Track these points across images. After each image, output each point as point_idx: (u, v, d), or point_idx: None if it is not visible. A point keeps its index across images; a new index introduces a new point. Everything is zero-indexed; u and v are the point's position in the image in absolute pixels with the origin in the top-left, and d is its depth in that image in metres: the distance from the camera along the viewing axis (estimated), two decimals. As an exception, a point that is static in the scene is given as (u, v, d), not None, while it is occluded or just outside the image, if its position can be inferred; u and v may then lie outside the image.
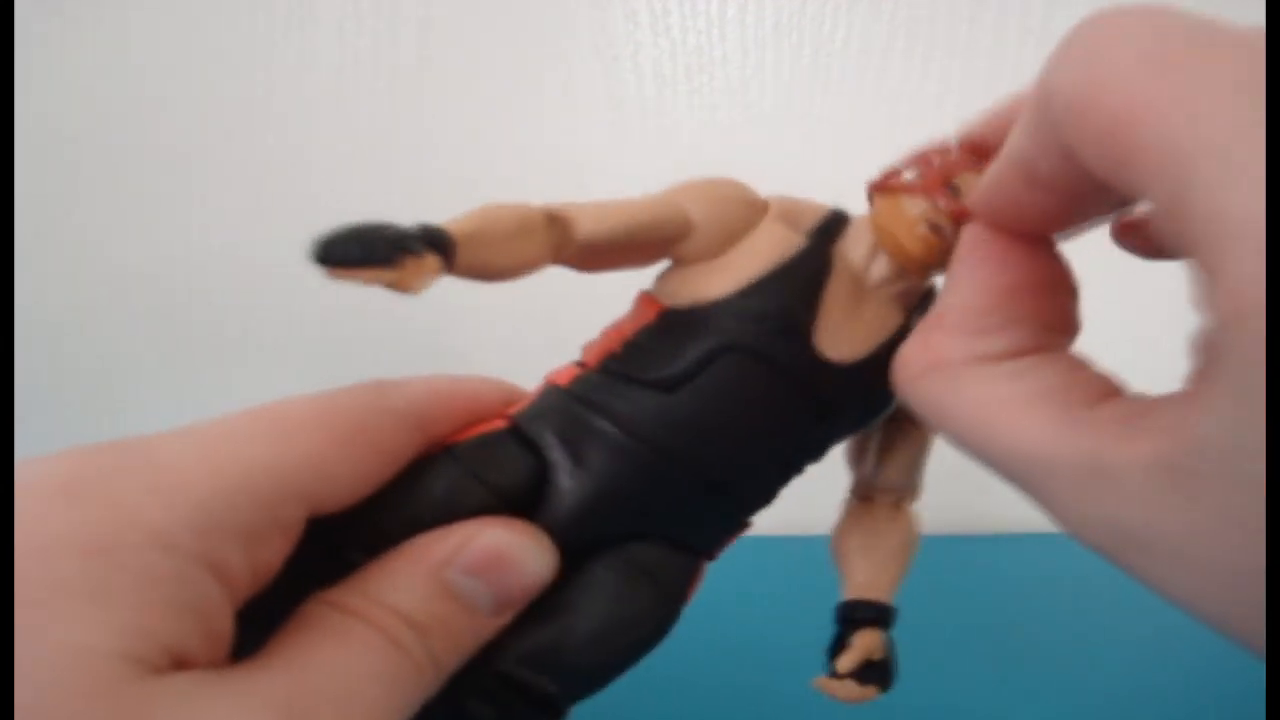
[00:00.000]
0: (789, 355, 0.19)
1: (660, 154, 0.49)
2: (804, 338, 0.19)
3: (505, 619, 0.18)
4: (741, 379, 0.19)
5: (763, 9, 0.48)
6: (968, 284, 0.17)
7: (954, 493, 0.55)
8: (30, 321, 0.49)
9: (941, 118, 0.47)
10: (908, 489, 0.24)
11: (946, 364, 0.16)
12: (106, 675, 0.13)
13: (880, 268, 0.20)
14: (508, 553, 0.18)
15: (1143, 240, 0.20)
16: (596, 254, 0.19)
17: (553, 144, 0.49)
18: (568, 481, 0.19)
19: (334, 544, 0.18)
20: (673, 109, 0.49)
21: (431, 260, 0.16)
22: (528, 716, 0.19)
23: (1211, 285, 0.11)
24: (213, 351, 0.51)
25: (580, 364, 0.20)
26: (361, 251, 0.16)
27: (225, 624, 0.16)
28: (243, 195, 0.49)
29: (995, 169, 0.17)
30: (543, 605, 0.19)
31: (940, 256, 0.20)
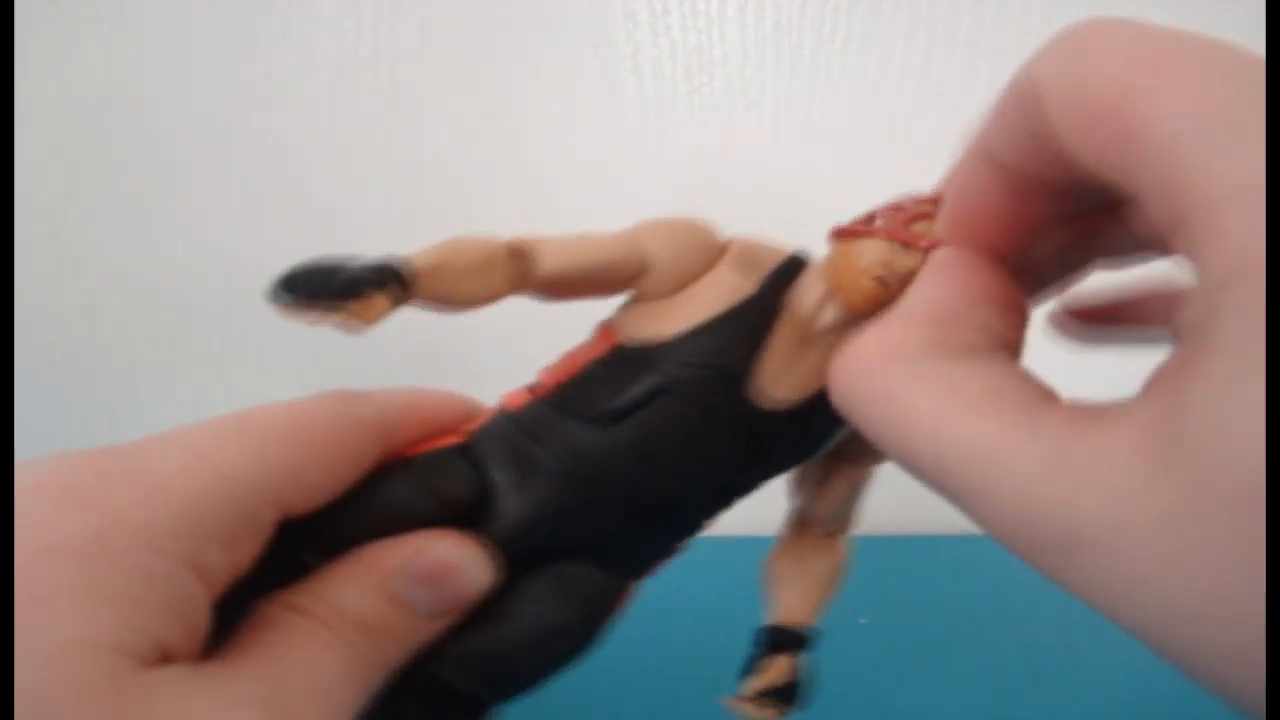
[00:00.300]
0: (725, 401, 0.20)
1: (660, 153, 0.49)
2: (741, 384, 0.20)
3: (443, 624, 0.20)
4: (676, 421, 0.20)
5: (762, 9, 0.48)
6: (938, 287, 0.17)
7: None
8: (29, 323, 0.49)
9: (941, 118, 0.47)
10: (841, 522, 0.25)
11: (907, 354, 0.16)
12: (105, 668, 0.14)
13: (829, 314, 0.20)
14: (453, 565, 0.20)
15: (1081, 320, 0.21)
16: (557, 288, 0.20)
17: (552, 144, 0.49)
18: (508, 503, 0.21)
19: (293, 546, 0.19)
20: (673, 109, 0.49)
21: (380, 301, 0.17)
22: (452, 716, 0.21)
23: (1205, 255, 0.12)
24: (213, 353, 0.51)
25: (532, 389, 0.21)
26: (309, 290, 0.16)
27: (204, 619, 0.17)
28: (242, 197, 0.49)
29: (962, 160, 0.18)
30: (479, 613, 0.20)
31: (881, 308, 0.20)
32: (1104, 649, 0.40)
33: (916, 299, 0.17)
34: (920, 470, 0.15)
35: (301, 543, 0.20)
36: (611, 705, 0.34)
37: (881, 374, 0.16)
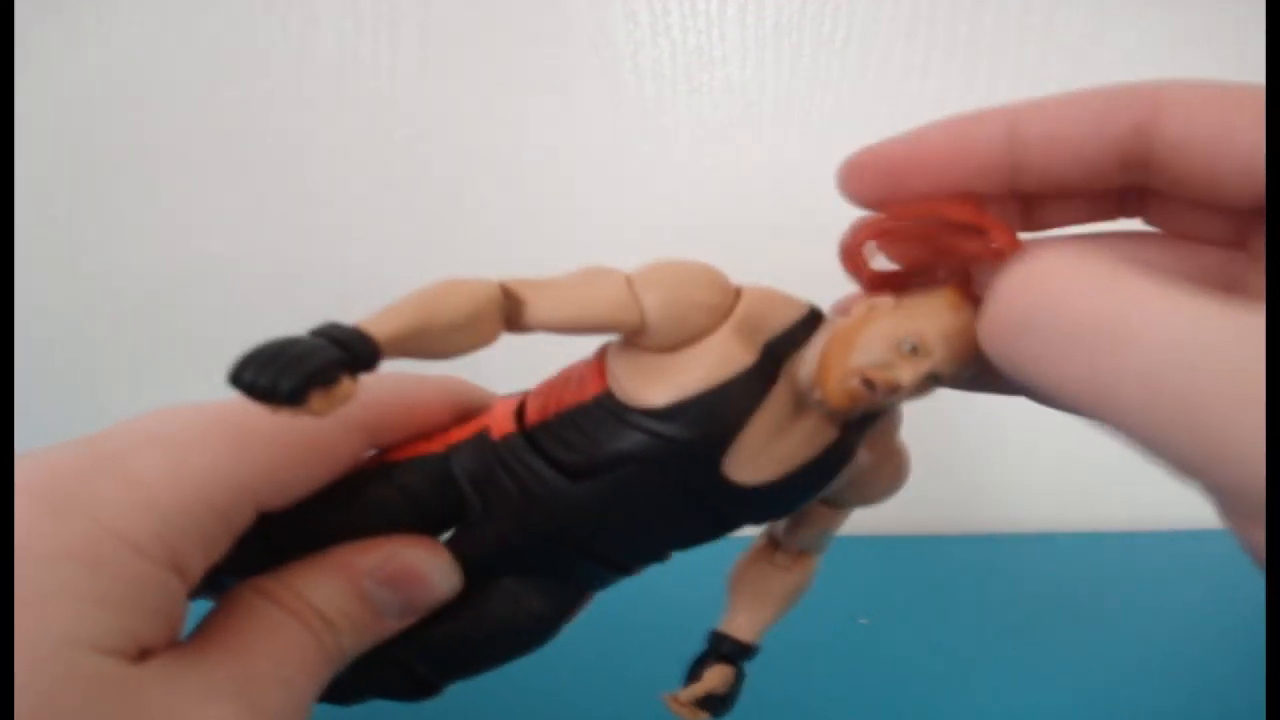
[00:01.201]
0: (693, 477, 0.19)
1: (660, 154, 0.49)
2: (715, 464, 0.19)
3: (405, 624, 0.21)
4: (643, 489, 0.20)
5: (762, 9, 0.48)
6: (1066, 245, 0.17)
7: (954, 493, 0.55)
8: (29, 322, 0.49)
9: (941, 117, 0.46)
10: (814, 548, 0.25)
11: (1105, 266, 0.15)
12: (97, 667, 0.15)
13: (817, 397, 0.19)
14: (421, 571, 0.20)
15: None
16: (549, 330, 0.19)
17: (552, 144, 0.49)
18: (477, 521, 0.21)
19: (274, 541, 0.20)
20: (673, 109, 0.49)
21: (347, 386, 0.16)
22: (407, 693, 0.22)
23: None
24: (213, 353, 0.51)
25: (519, 415, 0.21)
26: (275, 389, 0.15)
27: (181, 615, 0.18)
28: (241, 197, 0.49)
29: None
30: (445, 611, 0.21)
31: (864, 407, 0.19)
32: (1104, 649, 0.40)
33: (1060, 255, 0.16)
34: (1149, 375, 0.13)
35: (283, 538, 0.20)
36: (602, 705, 0.34)
37: (1088, 288, 0.14)
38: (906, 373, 0.18)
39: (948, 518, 0.54)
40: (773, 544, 0.25)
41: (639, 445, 0.19)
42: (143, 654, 0.16)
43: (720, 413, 0.19)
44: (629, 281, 0.19)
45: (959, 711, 0.35)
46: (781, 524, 0.24)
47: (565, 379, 0.21)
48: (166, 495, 0.17)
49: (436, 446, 0.21)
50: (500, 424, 0.21)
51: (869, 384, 0.18)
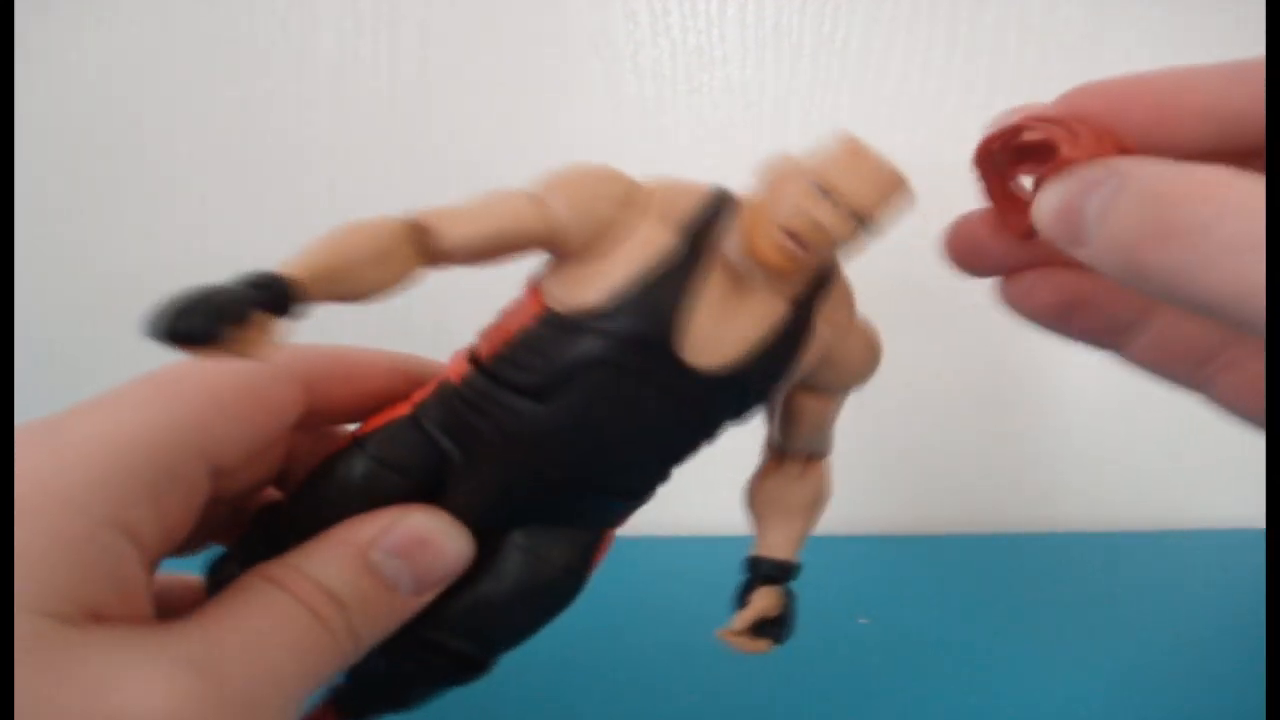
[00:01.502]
0: (654, 368, 0.19)
1: (660, 154, 0.49)
2: (669, 350, 0.19)
3: (425, 599, 0.20)
4: (608, 392, 0.19)
5: (763, 9, 0.48)
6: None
7: (954, 493, 0.55)
8: (29, 323, 0.49)
9: (942, 118, 0.47)
10: (817, 449, 0.24)
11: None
12: (30, 630, 0.15)
13: (755, 269, 0.20)
14: (428, 536, 0.20)
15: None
16: (463, 259, 0.20)
17: (552, 144, 0.49)
18: (462, 473, 0.20)
19: (273, 534, 0.20)
20: (673, 109, 0.49)
21: (265, 322, 0.16)
22: (452, 674, 0.22)
23: None
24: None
25: (473, 358, 0.21)
26: (189, 329, 0.15)
27: (138, 578, 0.17)
28: (241, 197, 0.49)
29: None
30: (463, 579, 0.21)
31: (804, 267, 0.19)
32: (1104, 649, 0.40)
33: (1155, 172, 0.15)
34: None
35: (277, 529, 0.20)
36: (601, 704, 0.34)
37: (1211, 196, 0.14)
38: (825, 215, 0.18)
39: (948, 518, 0.54)
40: (778, 456, 0.24)
41: (590, 347, 0.19)
42: (92, 618, 0.16)
43: (656, 295, 0.19)
44: (530, 193, 0.20)
45: (959, 711, 0.35)
46: (777, 430, 0.24)
47: (505, 314, 0.21)
48: (100, 450, 0.17)
49: (403, 410, 0.21)
50: (457, 369, 0.21)
51: (795, 236, 0.18)
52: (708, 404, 0.20)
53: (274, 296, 0.16)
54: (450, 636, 0.21)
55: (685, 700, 0.34)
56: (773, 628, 0.23)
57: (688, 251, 0.20)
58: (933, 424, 0.53)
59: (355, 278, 0.18)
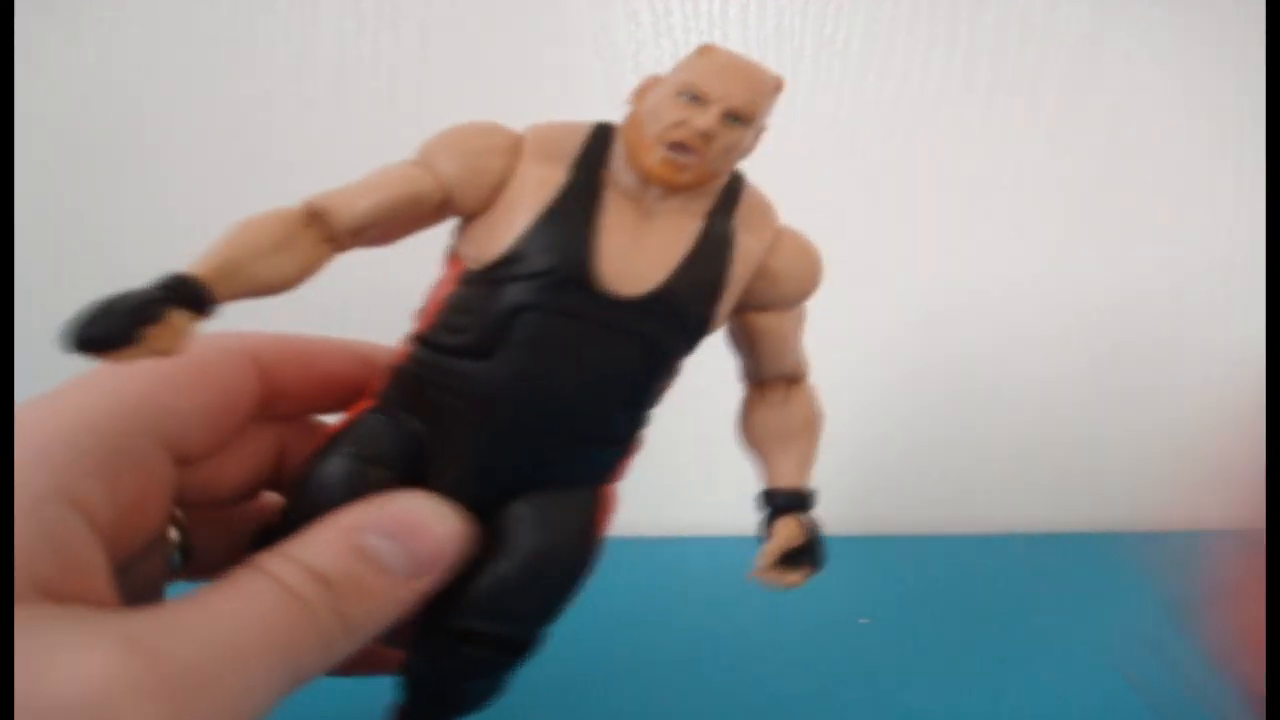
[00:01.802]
0: (579, 304, 0.19)
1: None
2: (587, 282, 0.19)
3: (423, 584, 0.19)
4: (544, 335, 0.19)
5: (764, 10, 0.48)
6: None
7: (954, 493, 0.55)
8: (29, 322, 0.49)
9: (943, 119, 0.47)
10: (791, 370, 0.24)
11: None
12: None
13: (651, 190, 0.20)
14: (418, 516, 0.19)
15: None
16: (369, 235, 0.20)
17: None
18: (438, 451, 0.20)
19: (269, 544, 0.19)
20: (673, 109, 0.49)
21: (178, 319, 0.16)
22: (496, 660, 0.21)
23: None
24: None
25: (413, 336, 0.21)
26: (102, 335, 0.15)
27: (89, 555, 0.17)
28: (242, 197, 0.49)
29: None
30: (477, 563, 0.20)
31: (698, 177, 0.19)
32: (1104, 649, 0.40)
33: None
34: None
35: (273, 539, 0.20)
36: (601, 703, 0.34)
37: None
38: (701, 118, 0.18)
39: (948, 518, 0.54)
40: (757, 386, 0.24)
41: (512, 295, 0.19)
42: (42, 593, 0.15)
43: (561, 230, 0.19)
44: (417, 160, 0.20)
45: (959, 711, 0.35)
46: (745, 357, 0.24)
47: (433, 289, 0.21)
48: (44, 425, 0.17)
49: (367, 403, 0.21)
50: (402, 351, 0.21)
51: (679, 145, 0.19)
52: (644, 333, 0.20)
53: (183, 294, 0.17)
54: (481, 622, 0.21)
55: (685, 700, 0.34)
56: (803, 556, 0.22)
57: (582, 184, 0.20)
58: (933, 424, 0.53)
59: (259, 269, 0.18)
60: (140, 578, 0.22)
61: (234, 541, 0.21)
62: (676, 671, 0.36)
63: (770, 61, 0.48)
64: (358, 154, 0.54)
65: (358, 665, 0.26)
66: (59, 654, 0.14)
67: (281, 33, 0.47)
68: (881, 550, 0.48)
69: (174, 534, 0.23)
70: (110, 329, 0.15)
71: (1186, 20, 0.49)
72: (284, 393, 0.21)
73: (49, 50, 0.47)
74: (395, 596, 0.19)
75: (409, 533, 0.19)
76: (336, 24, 0.47)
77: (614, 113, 0.21)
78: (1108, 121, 0.50)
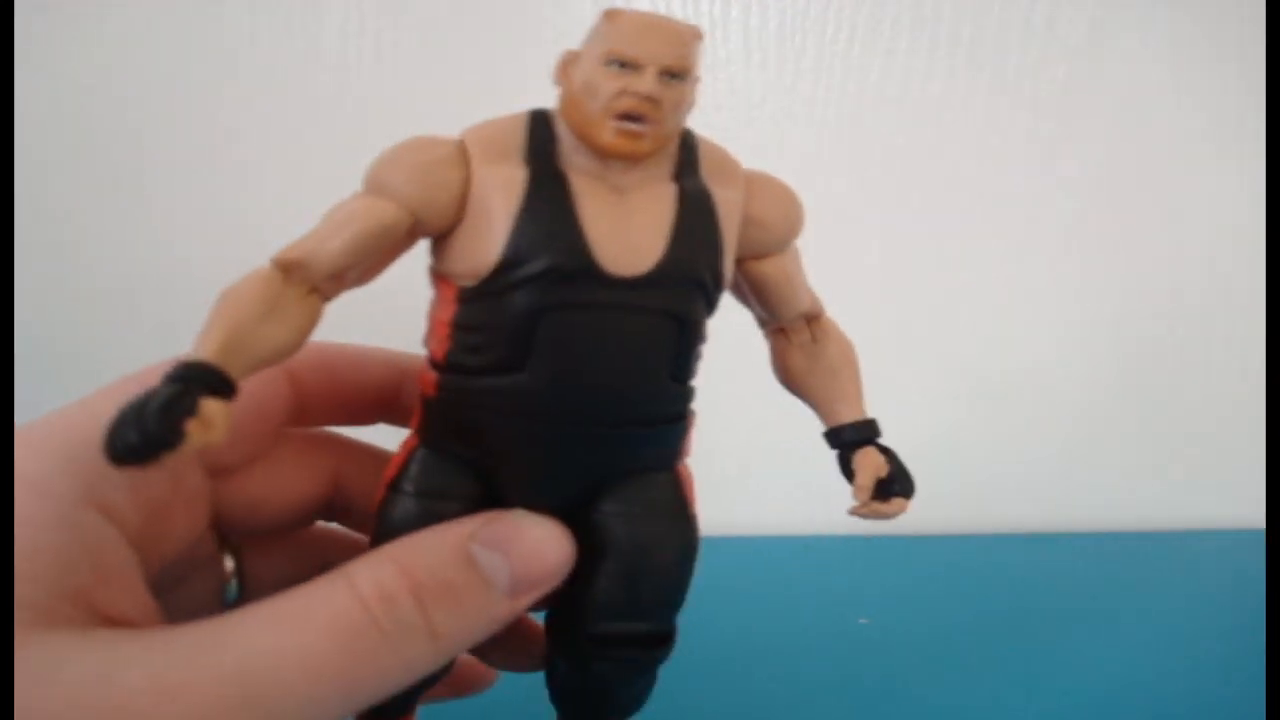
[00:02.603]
0: (590, 293, 0.19)
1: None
2: (591, 270, 0.19)
3: (521, 603, 0.19)
4: (569, 333, 0.19)
5: (766, 11, 0.48)
6: None
7: (954, 493, 0.55)
8: (29, 323, 0.49)
9: (944, 119, 0.47)
10: (809, 306, 0.23)
11: None
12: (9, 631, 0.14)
13: (613, 164, 0.19)
14: (522, 529, 0.19)
15: None
16: (353, 275, 0.19)
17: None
18: (503, 472, 0.20)
19: None
20: (674, 109, 0.49)
21: (210, 407, 0.16)
22: (641, 657, 0.21)
23: None
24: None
25: (433, 364, 0.21)
26: (143, 442, 0.15)
27: (124, 562, 0.16)
28: (242, 197, 0.49)
29: None
30: (589, 572, 0.20)
31: (655, 142, 0.19)
32: (1104, 649, 0.40)
33: None
34: None
35: None
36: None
37: None
38: (641, 83, 0.18)
39: (948, 518, 0.54)
40: (779, 332, 0.24)
41: (523, 300, 0.19)
42: (75, 603, 0.15)
43: (543, 225, 0.19)
44: (365, 191, 0.20)
45: (959, 711, 0.35)
46: (757, 308, 0.23)
47: (433, 318, 0.21)
48: (68, 432, 0.17)
49: (411, 443, 0.21)
50: (427, 381, 0.21)
51: (627, 115, 0.18)
52: (664, 306, 0.20)
53: (206, 381, 0.16)
54: (616, 624, 0.21)
55: (685, 700, 0.34)
56: (895, 484, 0.22)
57: (546, 175, 0.19)
58: (934, 424, 0.53)
59: (259, 338, 0.18)
60: (190, 603, 0.21)
61: (296, 574, 0.20)
62: (676, 671, 0.36)
63: (771, 61, 0.49)
64: (358, 153, 0.54)
65: (454, 686, 0.26)
66: (95, 684, 0.14)
67: (282, 33, 0.47)
68: (881, 550, 0.48)
69: (229, 562, 0.23)
70: (150, 434, 0.15)
71: (1187, 20, 0.49)
72: (317, 404, 0.21)
73: (48, 50, 0.47)
74: (491, 612, 0.18)
75: (515, 544, 0.18)
76: (337, 24, 0.47)
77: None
78: (1107, 121, 0.50)
